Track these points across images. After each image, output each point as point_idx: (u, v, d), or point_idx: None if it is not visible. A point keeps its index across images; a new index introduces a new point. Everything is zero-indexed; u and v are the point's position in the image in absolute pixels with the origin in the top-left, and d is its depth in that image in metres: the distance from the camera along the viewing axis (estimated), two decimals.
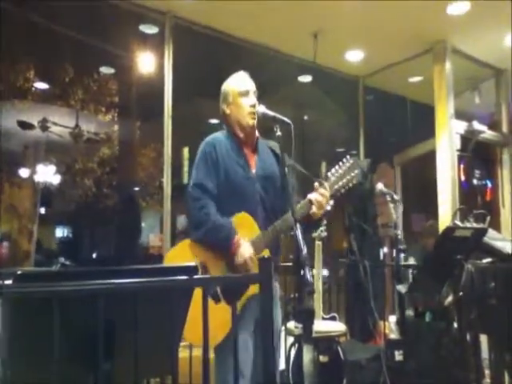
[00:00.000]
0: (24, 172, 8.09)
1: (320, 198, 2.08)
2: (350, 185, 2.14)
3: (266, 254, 2.06)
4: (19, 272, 1.10)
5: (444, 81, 4.99)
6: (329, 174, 2.14)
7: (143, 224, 10.42)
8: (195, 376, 2.61)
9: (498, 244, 2.72)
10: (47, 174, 8.13)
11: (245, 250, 2.03)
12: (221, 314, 1.70)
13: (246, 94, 2.22)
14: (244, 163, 2.21)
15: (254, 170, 2.21)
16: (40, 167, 8.10)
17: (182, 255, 2.13)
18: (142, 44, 5.52)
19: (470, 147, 5.23)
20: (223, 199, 2.14)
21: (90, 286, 1.12)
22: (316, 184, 2.11)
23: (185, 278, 1.30)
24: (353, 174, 2.13)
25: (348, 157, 2.16)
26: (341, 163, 2.14)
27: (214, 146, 2.20)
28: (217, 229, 2.07)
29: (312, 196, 2.09)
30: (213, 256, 2.08)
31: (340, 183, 2.13)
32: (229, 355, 1.97)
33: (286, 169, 1.99)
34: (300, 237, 1.76)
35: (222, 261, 2.09)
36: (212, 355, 2.38)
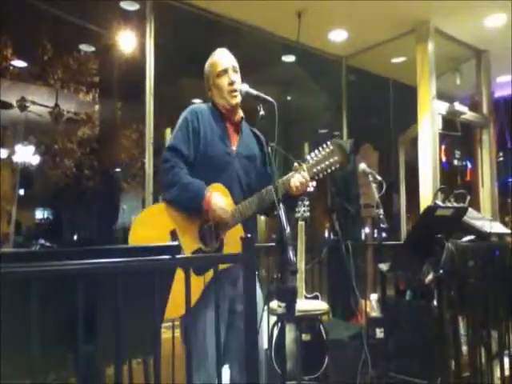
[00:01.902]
0: (2, 152, 7.94)
1: (298, 182, 2.07)
2: (329, 170, 2.12)
3: (238, 230, 2.03)
4: None
5: (426, 61, 5.00)
6: (308, 157, 2.13)
7: (125, 206, 10.34)
8: (178, 356, 2.61)
9: (478, 223, 2.77)
10: (26, 155, 7.99)
11: (216, 201, 2.00)
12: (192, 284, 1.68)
13: (223, 73, 2.19)
14: (225, 138, 2.18)
15: (234, 148, 2.19)
16: (19, 147, 7.95)
17: (153, 219, 2.08)
18: (123, 21, 5.42)
19: (459, 127, 5.27)
20: (200, 170, 2.10)
21: (69, 266, 1.10)
22: (295, 165, 2.11)
23: (167, 257, 1.29)
24: (332, 160, 2.11)
25: (329, 142, 2.14)
26: (321, 148, 2.13)
27: (196, 115, 2.16)
28: (186, 187, 2.03)
29: (290, 179, 2.08)
30: (185, 222, 2.05)
31: (318, 167, 2.11)
32: (196, 331, 1.98)
33: (269, 148, 1.99)
34: (283, 216, 1.76)
35: (195, 228, 2.06)
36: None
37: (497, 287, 2.57)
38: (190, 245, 2.03)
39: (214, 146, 2.13)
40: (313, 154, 2.13)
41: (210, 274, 1.93)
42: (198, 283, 1.90)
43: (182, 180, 2.04)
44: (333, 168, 2.13)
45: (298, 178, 2.08)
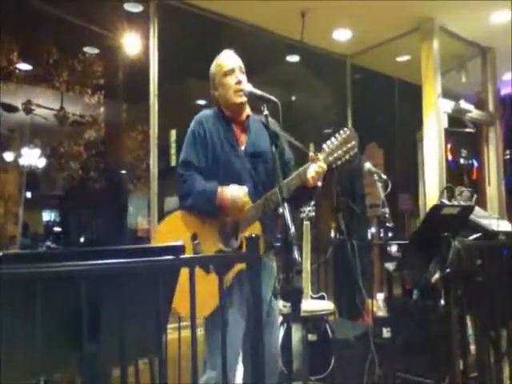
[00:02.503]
0: (8, 156, 7.98)
1: (314, 172, 2.05)
2: (347, 157, 2.10)
3: (257, 228, 2.04)
4: (1, 254, 1.08)
5: (431, 59, 4.97)
6: (324, 145, 2.11)
7: (131, 207, 10.36)
8: (184, 357, 2.61)
9: (484, 222, 2.74)
10: (32, 158, 8.03)
11: (230, 191, 2.03)
12: (211, 285, 1.69)
13: (230, 72, 2.20)
14: (232, 140, 2.19)
15: (242, 148, 2.19)
16: (25, 150, 7.99)
17: (173, 228, 2.12)
18: (127, 23, 5.42)
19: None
20: (211, 176, 2.13)
21: (73, 267, 1.10)
22: (311, 155, 2.09)
23: (170, 258, 1.29)
24: (349, 145, 2.09)
25: (345, 128, 2.12)
26: (337, 135, 2.11)
27: (201, 123, 2.19)
28: (201, 191, 2.08)
29: (308, 169, 2.06)
30: (205, 225, 2.08)
31: (335, 154, 2.09)
32: (218, 329, 1.99)
33: (273, 147, 1.97)
34: (288, 216, 1.75)
35: (215, 229, 2.08)
36: (200, 332, 2.38)
37: (505, 285, 2.54)
38: (211, 246, 2.06)
39: (222, 150, 2.16)
40: (328, 142, 2.11)
41: (230, 274, 1.96)
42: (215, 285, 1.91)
43: (196, 188, 2.09)
44: (351, 153, 2.11)
45: (313, 168, 2.06)
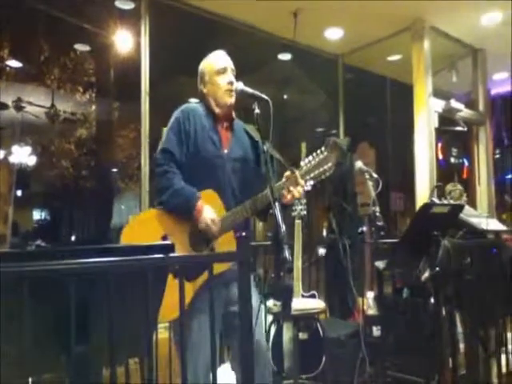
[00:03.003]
0: None
1: (289, 190, 2.03)
2: (323, 177, 2.07)
3: (231, 236, 2.00)
4: None
5: (422, 59, 5.00)
6: (302, 163, 2.08)
7: (122, 206, 10.31)
8: (175, 356, 2.60)
9: (474, 220, 2.77)
10: (23, 156, 7.96)
11: (207, 214, 2.00)
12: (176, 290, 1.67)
13: (222, 71, 2.18)
14: (217, 140, 2.16)
15: (226, 150, 2.16)
16: (15, 148, 7.92)
17: (145, 224, 2.08)
18: (118, 20, 5.39)
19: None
20: (191, 172, 2.09)
21: (61, 265, 1.09)
22: (287, 173, 2.06)
23: (160, 256, 1.28)
24: (326, 167, 2.05)
25: (323, 148, 2.07)
26: (315, 154, 2.07)
27: (188, 115, 2.14)
28: (179, 193, 2.02)
29: (282, 187, 2.05)
30: (177, 227, 2.04)
31: (311, 174, 2.06)
32: (188, 334, 1.96)
33: (265, 147, 1.96)
34: (279, 215, 1.75)
35: (186, 233, 2.05)
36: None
37: (494, 284, 2.57)
38: (181, 250, 2.02)
39: (205, 149, 2.11)
40: (307, 160, 2.07)
41: (201, 278, 1.93)
42: (187, 288, 1.89)
43: (174, 185, 2.04)
44: (327, 174, 2.07)
45: (292, 188, 2.03)
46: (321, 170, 2.07)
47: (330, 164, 2.07)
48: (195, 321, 1.96)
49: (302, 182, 2.04)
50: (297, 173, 2.05)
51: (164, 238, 2.02)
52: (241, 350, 1.48)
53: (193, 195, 2.02)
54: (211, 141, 2.14)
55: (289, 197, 2.05)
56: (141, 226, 2.09)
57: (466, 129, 5.36)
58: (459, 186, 3.63)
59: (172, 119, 2.17)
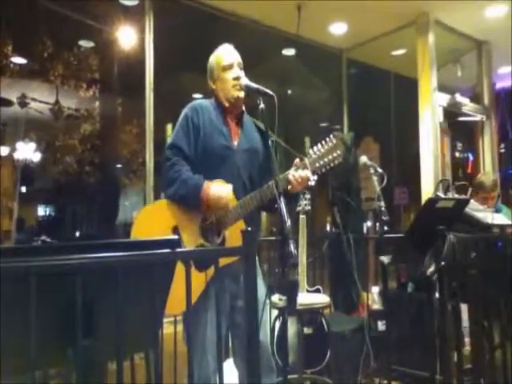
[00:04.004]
0: (3, 150, 7.94)
1: (298, 177, 2.05)
2: (332, 165, 2.10)
3: (242, 226, 2.02)
4: None
5: (427, 53, 4.98)
6: (311, 151, 2.10)
7: (126, 201, 10.33)
8: (180, 351, 2.62)
9: (479, 215, 2.76)
10: (27, 152, 7.99)
11: (215, 188, 2.01)
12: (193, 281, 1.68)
13: (229, 67, 2.20)
14: (226, 133, 2.17)
15: (235, 142, 2.18)
16: (19, 145, 7.95)
17: (155, 215, 2.09)
18: (122, 16, 5.39)
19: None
20: (201, 166, 2.10)
21: (68, 260, 1.10)
22: (296, 161, 2.09)
23: (167, 251, 1.29)
24: (335, 154, 2.08)
25: (331, 136, 2.11)
26: (323, 142, 2.10)
27: (196, 111, 2.16)
28: (186, 181, 2.04)
29: (291, 174, 2.06)
30: (187, 218, 2.05)
31: (321, 162, 2.08)
32: (197, 327, 1.97)
33: (270, 141, 1.97)
34: (284, 210, 1.75)
35: (196, 223, 2.06)
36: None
37: (499, 278, 2.56)
38: (191, 241, 2.03)
39: (214, 141, 2.13)
40: (315, 149, 2.10)
41: (211, 270, 1.92)
42: (199, 279, 1.90)
43: (181, 176, 2.05)
44: (335, 162, 2.10)
45: (299, 174, 2.05)
46: (330, 157, 2.09)
47: (338, 152, 2.09)
48: (203, 313, 1.98)
49: (308, 172, 2.06)
50: (306, 160, 2.07)
51: (174, 228, 2.03)
52: (246, 348, 1.48)
53: (199, 180, 2.03)
54: (221, 133, 2.15)
55: (298, 186, 2.06)
56: (151, 216, 2.10)
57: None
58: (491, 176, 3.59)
59: (181, 115, 2.19)
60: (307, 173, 2.06)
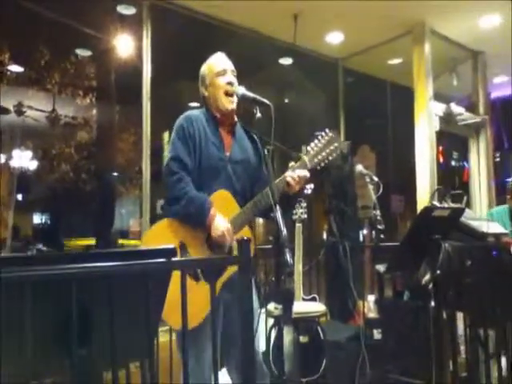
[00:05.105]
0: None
1: (296, 176, 2.06)
2: (330, 158, 2.12)
3: (246, 233, 2.05)
4: None
5: (423, 63, 5.01)
6: (308, 148, 2.12)
7: (123, 210, 10.33)
8: (175, 360, 2.61)
9: (475, 223, 2.77)
10: (23, 160, 7.99)
11: (220, 223, 2.01)
12: (199, 296, 1.69)
13: (222, 73, 2.20)
14: (219, 144, 2.17)
15: (228, 153, 2.18)
16: (16, 152, 7.95)
17: (160, 235, 2.10)
18: (120, 25, 5.42)
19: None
20: (196, 177, 2.11)
21: (63, 270, 1.10)
22: (292, 163, 2.10)
23: (162, 260, 1.29)
24: (332, 148, 2.11)
25: (326, 130, 2.14)
26: (320, 137, 2.12)
27: (191, 121, 2.16)
28: (193, 202, 2.03)
29: (288, 175, 2.07)
30: (192, 234, 2.06)
31: (319, 157, 2.11)
32: (200, 338, 1.96)
33: (266, 151, 1.98)
34: (280, 218, 1.76)
35: (202, 238, 2.06)
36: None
37: (494, 287, 2.57)
38: (199, 255, 2.05)
39: (208, 153, 2.13)
40: (312, 145, 2.12)
41: (218, 284, 1.93)
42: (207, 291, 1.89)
43: (187, 194, 2.05)
44: (333, 155, 2.12)
45: (296, 173, 2.06)
46: (327, 151, 2.11)
47: (335, 144, 2.11)
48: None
49: (309, 164, 2.08)
50: (305, 157, 2.09)
51: (182, 244, 2.03)
52: (241, 355, 1.48)
53: (204, 204, 2.03)
54: (214, 144, 2.16)
55: (296, 186, 2.07)
56: (156, 237, 2.11)
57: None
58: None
59: (177, 127, 2.18)
60: (304, 171, 2.08)
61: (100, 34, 5.82)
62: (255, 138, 2.25)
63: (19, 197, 8.89)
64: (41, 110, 7.71)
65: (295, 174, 2.07)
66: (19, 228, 8.80)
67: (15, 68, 7.26)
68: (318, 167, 2.12)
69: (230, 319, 2.06)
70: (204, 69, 2.27)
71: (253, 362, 1.47)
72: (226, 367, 2.21)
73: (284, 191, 2.07)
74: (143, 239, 2.16)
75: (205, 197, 2.06)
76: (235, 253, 1.97)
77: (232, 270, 1.88)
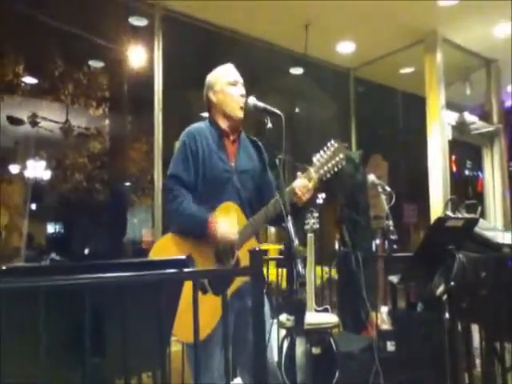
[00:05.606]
0: (14, 168, 8.03)
1: (302, 186, 2.06)
2: (336, 169, 2.12)
3: (254, 243, 2.04)
4: (4, 267, 1.08)
5: (435, 71, 4.99)
6: (314, 159, 2.12)
7: (135, 219, 10.37)
8: (187, 369, 2.60)
9: (489, 234, 2.73)
10: (37, 170, 8.07)
11: (220, 225, 2.01)
12: (209, 306, 1.69)
13: (234, 83, 2.20)
14: (224, 155, 2.16)
15: (232, 164, 2.17)
16: (30, 163, 8.04)
17: (166, 249, 2.09)
18: (132, 36, 5.48)
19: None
20: (203, 191, 2.11)
21: (77, 280, 1.10)
22: (299, 173, 2.10)
23: (174, 271, 1.29)
24: (337, 159, 2.11)
25: (332, 141, 2.13)
26: (325, 148, 2.12)
27: (194, 137, 2.15)
28: (190, 216, 2.04)
29: (297, 187, 2.06)
30: (198, 246, 2.05)
31: (325, 168, 2.10)
32: (209, 350, 1.95)
33: (277, 160, 1.97)
34: (291, 228, 1.75)
35: (209, 249, 2.06)
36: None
37: (510, 298, 2.53)
38: (207, 266, 2.03)
39: (212, 165, 2.13)
40: (318, 156, 2.11)
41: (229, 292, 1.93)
42: (218, 302, 1.88)
43: (185, 211, 2.04)
44: (339, 166, 2.12)
45: (303, 184, 2.06)
46: (333, 162, 2.11)
47: (341, 155, 2.11)
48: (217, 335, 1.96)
49: (316, 175, 2.08)
50: (311, 169, 2.08)
51: (188, 256, 2.03)
52: (254, 363, 1.47)
53: (203, 217, 2.03)
54: (218, 157, 2.15)
55: (303, 197, 2.06)
56: (163, 251, 2.10)
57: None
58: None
59: (179, 143, 2.19)
60: (306, 182, 2.08)
61: (112, 45, 5.89)
62: (259, 144, 2.26)
63: (33, 206, 8.96)
64: (54, 121, 7.80)
65: (298, 184, 2.06)
66: (33, 237, 8.87)
67: (29, 79, 7.36)
68: (324, 178, 2.12)
69: (239, 328, 2.05)
70: (213, 75, 2.26)
71: (265, 369, 1.46)
72: (240, 375, 2.20)
73: (292, 202, 2.05)
74: (150, 254, 2.15)
75: (202, 210, 2.06)
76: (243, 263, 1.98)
77: (240, 279, 1.87)
